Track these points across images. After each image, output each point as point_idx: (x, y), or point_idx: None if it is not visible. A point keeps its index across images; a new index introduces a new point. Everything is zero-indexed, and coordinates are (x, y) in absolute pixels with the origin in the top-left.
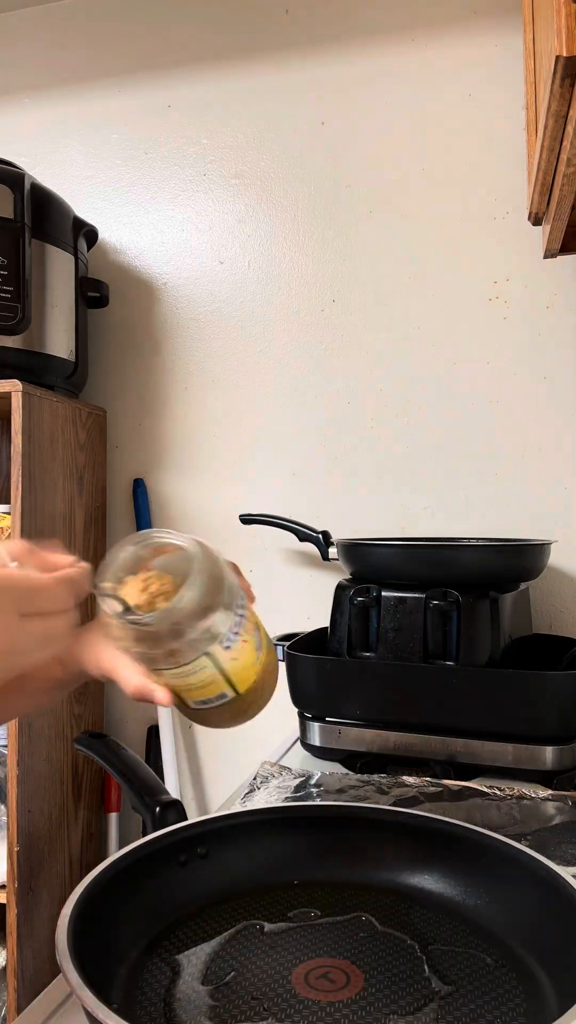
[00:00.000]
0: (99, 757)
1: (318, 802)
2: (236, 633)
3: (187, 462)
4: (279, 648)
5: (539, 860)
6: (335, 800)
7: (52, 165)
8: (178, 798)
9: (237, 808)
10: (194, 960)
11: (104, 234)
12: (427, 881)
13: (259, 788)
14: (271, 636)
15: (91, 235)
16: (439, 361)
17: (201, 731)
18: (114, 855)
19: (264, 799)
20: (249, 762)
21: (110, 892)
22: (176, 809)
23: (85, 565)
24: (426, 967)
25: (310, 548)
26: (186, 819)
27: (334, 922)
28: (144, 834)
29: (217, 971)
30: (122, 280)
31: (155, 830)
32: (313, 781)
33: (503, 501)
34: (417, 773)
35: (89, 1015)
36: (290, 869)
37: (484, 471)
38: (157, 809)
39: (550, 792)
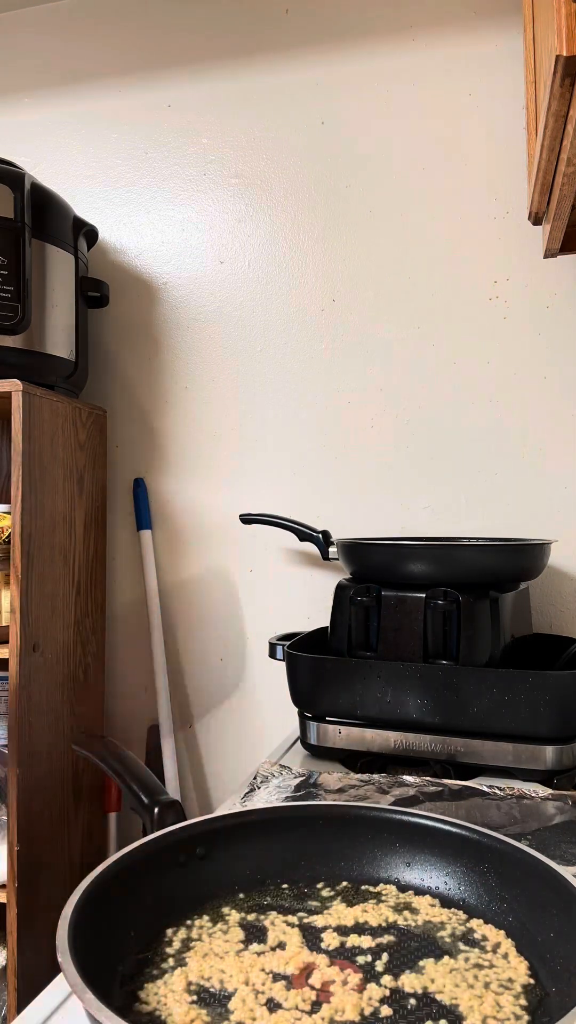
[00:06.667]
0: (97, 758)
1: (318, 802)
2: None
3: (187, 462)
4: (279, 648)
5: (540, 859)
6: (335, 800)
7: (52, 165)
8: (177, 798)
9: (237, 808)
10: (194, 960)
11: (104, 234)
12: (427, 880)
13: (259, 787)
14: (272, 636)
15: (91, 235)
16: (439, 361)
17: (202, 731)
18: (113, 856)
19: (264, 798)
20: (249, 761)
21: (110, 892)
22: (175, 810)
23: None
24: (425, 967)
25: (310, 548)
26: (185, 819)
27: (334, 923)
28: (144, 834)
29: (216, 972)
30: (122, 280)
31: (154, 831)
32: (313, 781)
33: (503, 501)
34: (417, 773)
35: (90, 1015)
36: (290, 869)
37: (484, 471)
38: (156, 810)
39: (550, 792)
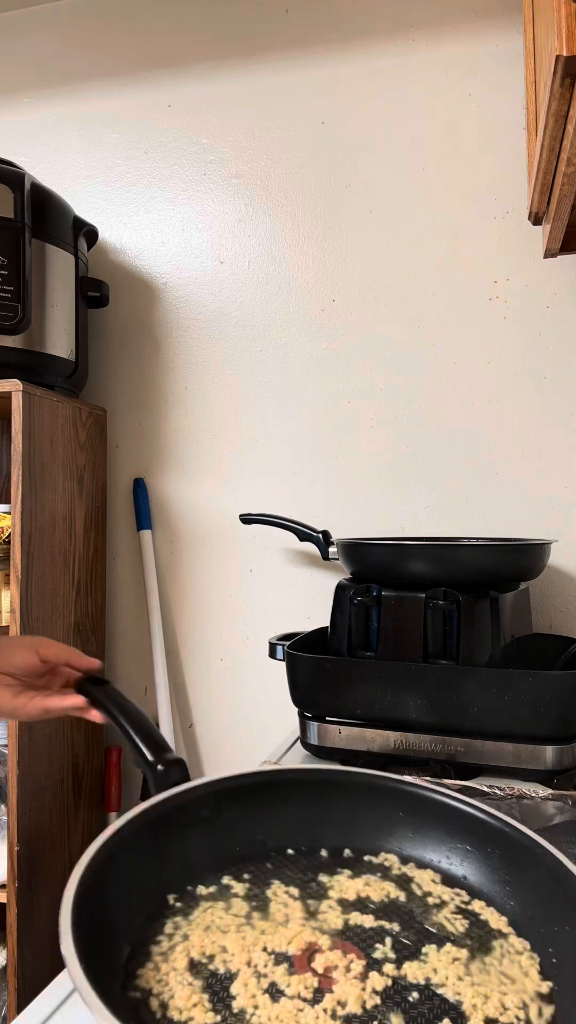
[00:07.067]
0: (100, 706)
1: (324, 766)
2: None
3: (187, 462)
4: (279, 648)
5: (549, 850)
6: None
7: (52, 165)
8: (182, 757)
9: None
10: (196, 933)
11: (104, 234)
12: (429, 854)
13: None
14: (272, 636)
15: (91, 235)
16: (439, 361)
17: (201, 730)
18: (123, 818)
19: None
20: (249, 761)
21: (118, 855)
22: (180, 768)
23: None
24: (428, 954)
25: (310, 548)
26: (189, 779)
27: (336, 896)
28: (142, 793)
29: (218, 950)
30: (122, 280)
31: (157, 788)
32: None
33: (503, 501)
34: (417, 773)
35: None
36: (293, 833)
37: (484, 471)
38: (160, 767)
39: (550, 792)
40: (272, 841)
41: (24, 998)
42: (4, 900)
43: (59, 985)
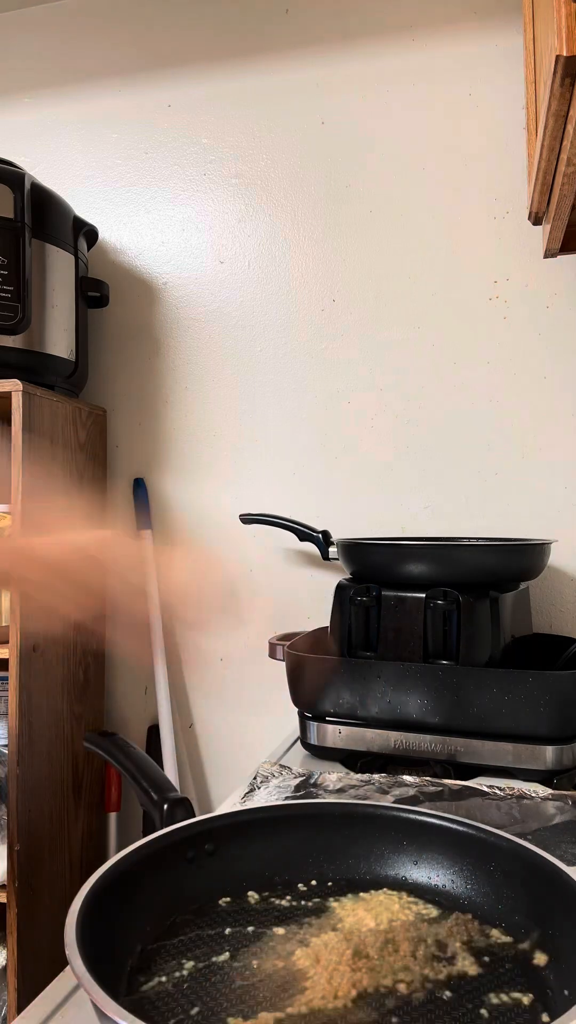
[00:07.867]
0: (108, 755)
1: (327, 800)
2: None
3: (187, 462)
4: (279, 648)
5: (546, 858)
6: (335, 800)
7: (52, 165)
8: (186, 796)
9: (238, 807)
10: (200, 956)
11: (104, 234)
12: (434, 879)
13: (259, 788)
14: (272, 636)
15: (91, 235)
16: (439, 361)
17: (201, 730)
18: (124, 851)
19: (264, 798)
20: (249, 761)
21: (119, 887)
22: (184, 806)
23: None
24: (431, 964)
25: (310, 548)
26: (194, 816)
27: (341, 920)
28: (145, 832)
29: (222, 967)
30: (122, 280)
31: (163, 827)
32: (313, 781)
33: (503, 501)
34: (417, 773)
35: (97, 1010)
36: (298, 866)
37: (484, 471)
38: (165, 807)
39: (550, 792)
40: (277, 873)
41: (24, 998)
42: (4, 900)
43: (59, 985)
